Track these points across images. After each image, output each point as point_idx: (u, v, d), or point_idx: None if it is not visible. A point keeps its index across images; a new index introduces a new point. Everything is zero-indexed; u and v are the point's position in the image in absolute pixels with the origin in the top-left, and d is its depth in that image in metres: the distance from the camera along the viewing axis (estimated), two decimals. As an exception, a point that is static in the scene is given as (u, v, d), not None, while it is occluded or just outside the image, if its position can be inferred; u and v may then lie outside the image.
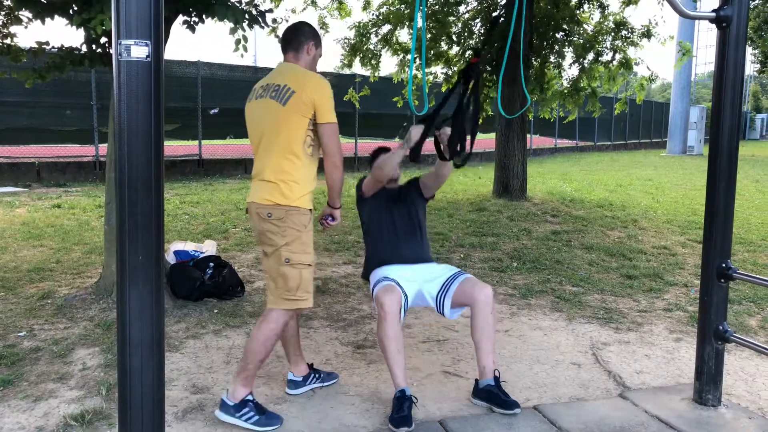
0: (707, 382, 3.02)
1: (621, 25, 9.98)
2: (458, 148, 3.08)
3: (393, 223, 3.35)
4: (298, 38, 2.89)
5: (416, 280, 3.18)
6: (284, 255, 2.75)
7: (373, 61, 10.45)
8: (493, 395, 2.96)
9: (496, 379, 3.01)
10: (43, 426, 2.74)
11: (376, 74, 10.87)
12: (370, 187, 3.38)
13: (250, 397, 2.79)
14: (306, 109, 2.71)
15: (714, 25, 2.94)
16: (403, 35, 10.34)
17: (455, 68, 10.81)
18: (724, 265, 2.95)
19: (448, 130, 3.14)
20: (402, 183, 3.53)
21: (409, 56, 10.48)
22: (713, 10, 2.93)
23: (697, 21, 23.56)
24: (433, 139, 3.17)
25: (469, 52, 10.40)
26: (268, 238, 2.78)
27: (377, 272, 3.26)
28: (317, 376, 3.18)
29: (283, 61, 2.94)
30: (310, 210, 2.84)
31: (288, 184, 2.72)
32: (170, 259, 4.76)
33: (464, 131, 3.10)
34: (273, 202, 2.73)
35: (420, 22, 2.63)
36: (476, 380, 3.08)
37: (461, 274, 3.19)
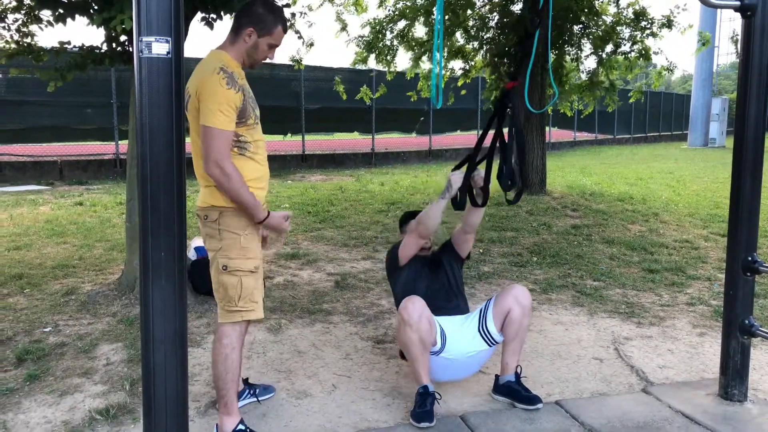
0: (733, 377, 2.98)
1: (640, 15, 9.84)
2: (509, 183, 2.99)
3: (430, 293, 3.09)
4: (239, 20, 2.54)
5: (453, 327, 3.02)
6: (221, 261, 2.52)
7: (388, 57, 10.41)
8: (514, 391, 2.94)
9: (517, 375, 3.00)
10: (69, 420, 2.78)
11: (392, 70, 10.80)
12: (410, 249, 3.14)
13: (241, 427, 2.58)
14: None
15: (738, 15, 2.89)
16: (419, 30, 10.31)
17: (472, 62, 10.74)
18: (750, 258, 2.90)
19: (482, 173, 3.05)
20: (435, 249, 3.33)
21: (423, 50, 10.42)
22: (738, -1, 2.88)
23: (719, 10, 23.20)
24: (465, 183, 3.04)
25: (485, 47, 10.31)
26: (209, 243, 2.58)
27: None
28: (251, 392, 2.97)
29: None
30: (259, 202, 2.55)
31: None
32: (191, 255, 4.79)
33: (511, 167, 3.00)
34: (209, 204, 2.53)
35: (439, 16, 2.57)
36: (496, 376, 3.06)
37: (490, 299, 3.09)
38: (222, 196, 2.49)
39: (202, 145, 2.40)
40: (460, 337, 3.00)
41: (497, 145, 3.06)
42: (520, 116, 3.03)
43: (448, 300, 3.15)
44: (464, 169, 3.08)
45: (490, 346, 3.04)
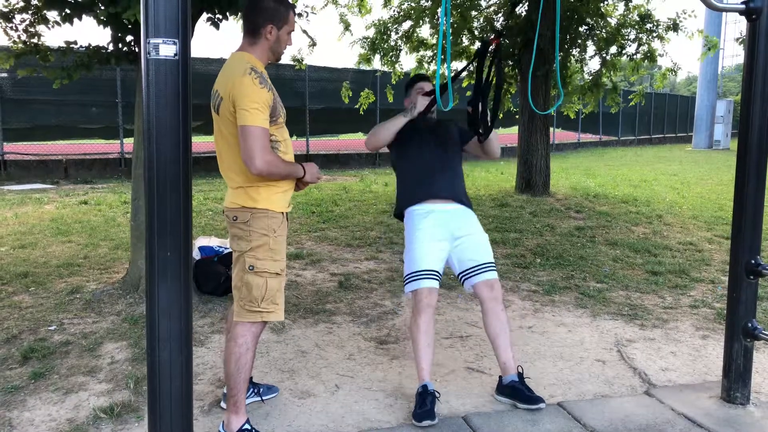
0: (735, 380, 2.98)
1: (645, 17, 9.84)
2: (479, 125, 3.09)
3: (424, 156, 3.18)
4: (254, 20, 2.54)
5: (446, 236, 3.06)
6: (248, 261, 2.54)
7: (393, 58, 10.42)
8: (517, 391, 2.95)
9: (520, 375, 3.01)
10: (73, 418, 2.80)
11: (398, 71, 10.79)
12: (371, 148, 3.25)
13: (247, 426, 2.59)
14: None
15: (743, 17, 2.89)
16: (424, 31, 10.31)
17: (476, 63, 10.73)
18: (753, 261, 2.90)
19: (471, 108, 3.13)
20: (440, 120, 3.34)
21: (428, 52, 10.43)
22: (743, 2, 2.88)
23: (724, 13, 23.14)
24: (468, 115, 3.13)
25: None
26: (236, 243, 2.59)
27: (413, 271, 3.11)
28: (255, 391, 2.97)
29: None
30: (283, 213, 2.60)
31: (253, 187, 2.53)
32: (195, 254, 4.81)
33: (485, 107, 3.10)
34: (239, 205, 2.55)
35: (444, 17, 2.60)
36: (500, 377, 3.07)
37: (489, 269, 3.09)
38: (255, 197, 2.53)
39: (243, 145, 2.41)
40: (450, 258, 3.11)
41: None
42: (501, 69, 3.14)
43: (442, 168, 3.16)
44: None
45: (457, 278, 3.17)
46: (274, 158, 2.47)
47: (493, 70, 3.08)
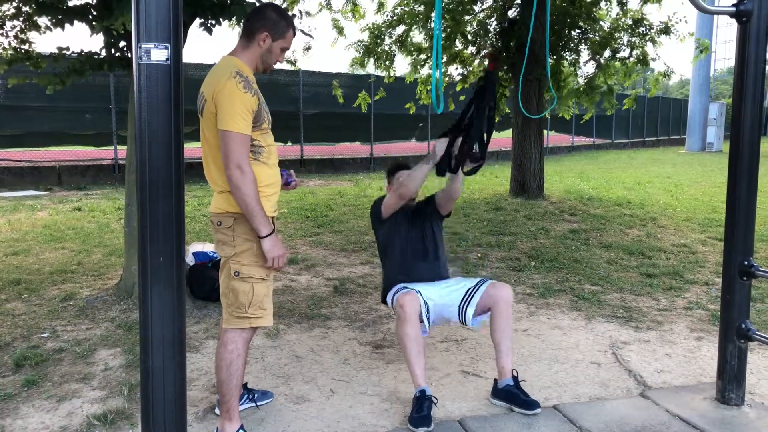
0: (730, 381, 2.99)
1: (638, 21, 9.89)
2: (472, 153, 3.10)
3: (410, 243, 3.31)
4: (252, 25, 2.53)
5: (434, 296, 3.15)
6: (233, 267, 2.52)
7: (387, 62, 10.44)
8: (513, 395, 2.95)
9: (515, 378, 3.01)
10: (66, 426, 2.78)
11: (391, 75, 10.81)
12: (391, 207, 3.27)
13: None
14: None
15: (734, 20, 2.91)
16: (418, 36, 10.33)
17: (470, 68, 10.76)
18: (746, 262, 2.91)
19: (458, 142, 3.15)
20: (419, 200, 3.48)
21: (422, 56, 10.45)
22: (733, 5, 2.90)
23: (716, 16, 23.27)
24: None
25: (484, 51, 10.34)
26: (221, 249, 2.58)
27: (395, 288, 3.27)
28: (250, 396, 2.96)
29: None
30: (268, 218, 2.55)
31: None
32: (189, 260, 4.79)
33: (481, 139, 3.12)
34: (222, 210, 2.52)
35: (436, 21, 2.61)
36: (495, 380, 3.07)
37: (485, 281, 3.18)
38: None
39: (222, 149, 2.39)
40: (442, 306, 3.15)
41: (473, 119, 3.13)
42: (494, 96, 3.16)
43: (425, 253, 3.31)
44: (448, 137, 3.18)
45: (458, 320, 3.18)
46: (251, 174, 2.40)
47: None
